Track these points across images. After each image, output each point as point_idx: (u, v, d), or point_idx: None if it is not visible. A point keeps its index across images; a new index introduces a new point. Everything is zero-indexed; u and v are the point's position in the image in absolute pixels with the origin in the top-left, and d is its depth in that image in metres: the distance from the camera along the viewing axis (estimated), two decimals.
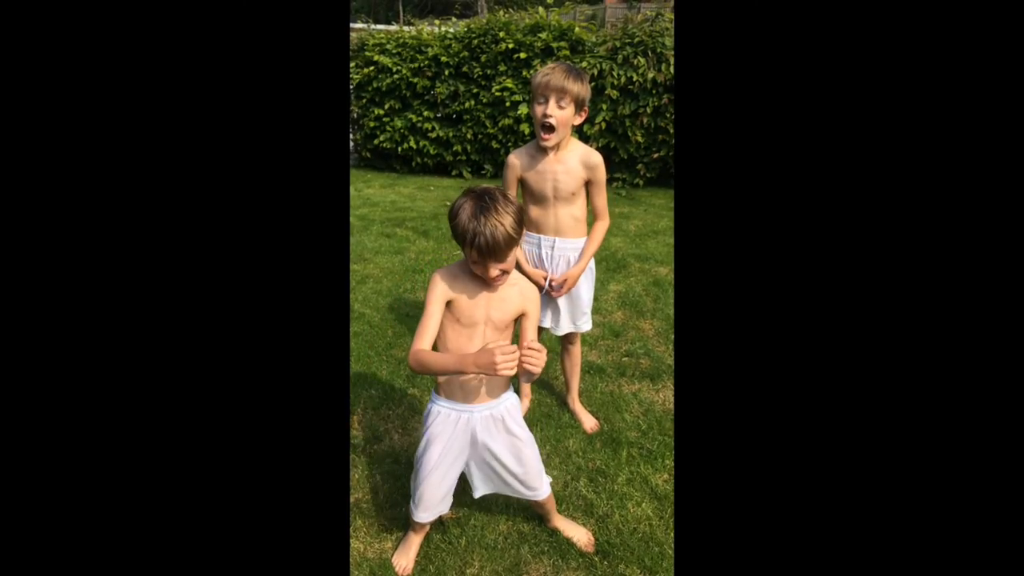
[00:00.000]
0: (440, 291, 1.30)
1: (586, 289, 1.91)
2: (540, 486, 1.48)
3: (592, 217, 1.85)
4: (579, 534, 1.58)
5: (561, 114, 1.65)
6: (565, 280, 1.82)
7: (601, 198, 1.80)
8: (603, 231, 1.84)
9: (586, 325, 1.96)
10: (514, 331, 1.40)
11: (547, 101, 1.64)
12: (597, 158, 1.75)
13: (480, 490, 1.49)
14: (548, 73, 1.64)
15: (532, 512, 1.66)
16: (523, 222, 1.27)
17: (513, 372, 1.15)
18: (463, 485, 1.51)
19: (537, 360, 1.14)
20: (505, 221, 1.20)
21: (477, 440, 1.39)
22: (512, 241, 1.22)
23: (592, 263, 1.91)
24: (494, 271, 1.25)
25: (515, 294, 1.34)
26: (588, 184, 1.78)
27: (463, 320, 1.32)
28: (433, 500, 1.43)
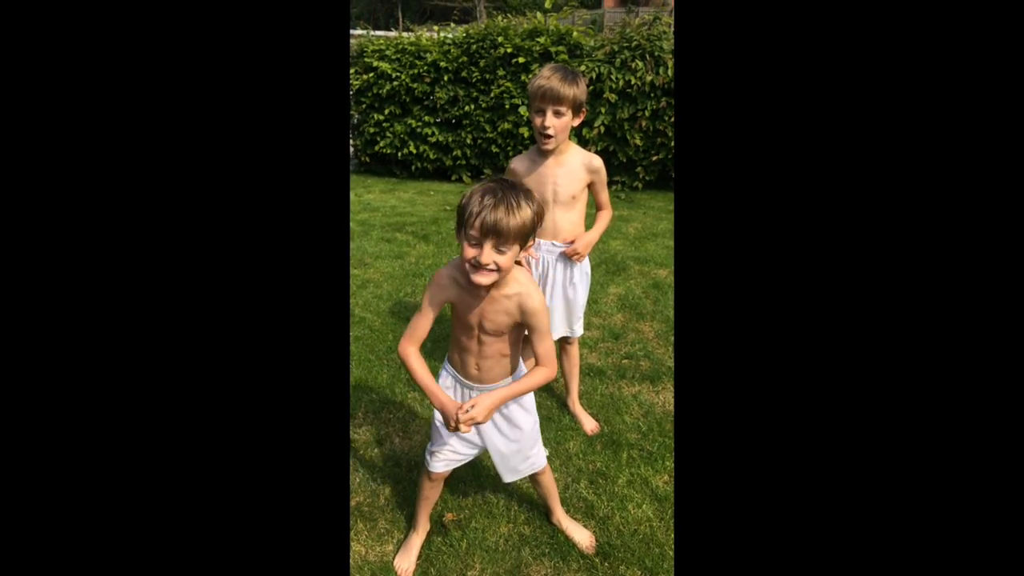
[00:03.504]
0: (438, 293, 1.31)
1: (582, 292, 1.97)
2: (519, 466, 1.49)
3: (596, 212, 1.95)
4: (581, 535, 1.58)
5: (559, 122, 1.71)
6: (575, 245, 1.86)
7: (605, 194, 1.91)
8: (609, 218, 1.95)
9: (580, 329, 2.03)
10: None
11: (544, 113, 1.70)
12: (598, 161, 1.83)
13: (504, 473, 1.50)
14: (544, 81, 1.68)
15: (533, 514, 1.66)
16: (540, 221, 1.20)
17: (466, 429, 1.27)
18: (464, 486, 1.51)
19: (464, 428, 1.25)
20: (523, 206, 1.13)
21: None
22: (523, 230, 1.14)
23: (588, 268, 1.99)
24: (488, 255, 1.14)
25: (511, 305, 1.28)
26: (592, 185, 1.87)
27: (462, 320, 1.34)
28: (444, 450, 1.47)
